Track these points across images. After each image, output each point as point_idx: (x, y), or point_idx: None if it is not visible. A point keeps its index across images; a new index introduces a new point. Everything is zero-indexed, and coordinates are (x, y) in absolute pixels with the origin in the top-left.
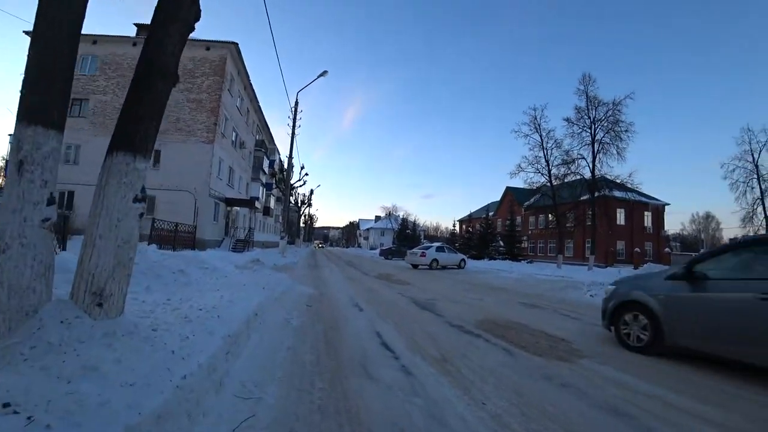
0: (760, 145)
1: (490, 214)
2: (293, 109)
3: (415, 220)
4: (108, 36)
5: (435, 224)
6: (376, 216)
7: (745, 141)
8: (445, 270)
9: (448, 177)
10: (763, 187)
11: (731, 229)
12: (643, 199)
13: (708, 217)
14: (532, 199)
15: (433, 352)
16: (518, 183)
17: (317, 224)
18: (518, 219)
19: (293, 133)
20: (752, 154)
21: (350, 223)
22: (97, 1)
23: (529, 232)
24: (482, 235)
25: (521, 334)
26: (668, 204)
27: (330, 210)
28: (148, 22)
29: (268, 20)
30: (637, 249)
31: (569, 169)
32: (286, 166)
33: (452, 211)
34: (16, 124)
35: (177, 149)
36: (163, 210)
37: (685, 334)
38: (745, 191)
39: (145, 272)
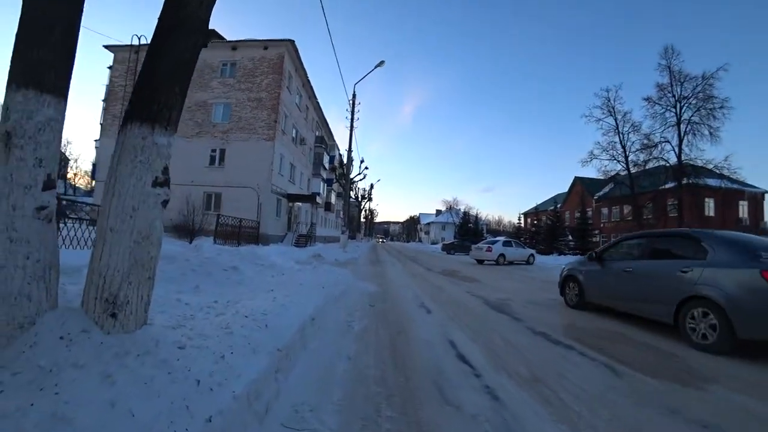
0: None
1: (558, 206)
2: (351, 102)
3: (476, 214)
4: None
5: (497, 218)
6: (436, 210)
7: None
8: (512, 266)
9: (508, 169)
10: None
11: None
12: (738, 186)
13: None
14: (604, 189)
15: (520, 368)
16: (589, 172)
17: (377, 219)
18: (588, 211)
19: (352, 126)
20: None
21: (410, 217)
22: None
23: (602, 224)
24: (550, 229)
25: (617, 344)
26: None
27: (390, 204)
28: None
29: (323, 13)
30: None
31: (650, 154)
32: (345, 160)
33: (514, 205)
34: (5, 90)
35: (240, 148)
36: (228, 207)
37: (594, 295)
38: None
39: (195, 269)
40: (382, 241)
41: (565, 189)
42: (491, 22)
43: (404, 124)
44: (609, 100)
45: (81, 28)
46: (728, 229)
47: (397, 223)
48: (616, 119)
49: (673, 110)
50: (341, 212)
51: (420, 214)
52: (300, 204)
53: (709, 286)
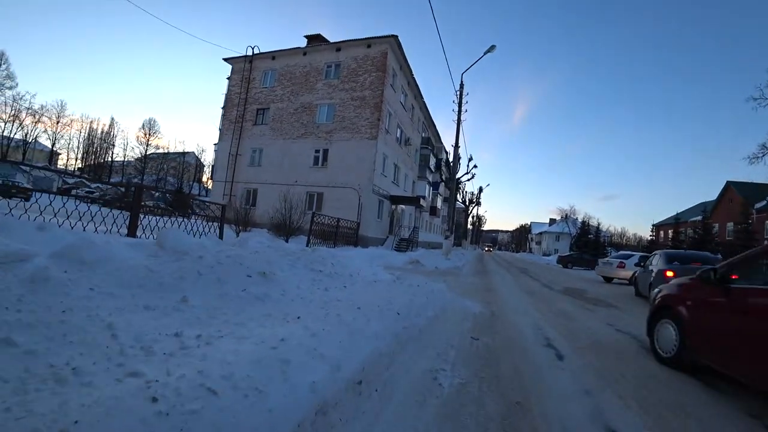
0: None
1: (706, 216)
2: (458, 93)
3: (597, 224)
4: (283, 50)
5: (619, 230)
6: (550, 219)
7: None
8: None
9: (633, 175)
10: None
11: None
12: None
13: None
14: None
15: None
16: (749, 175)
17: (485, 227)
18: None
19: (459, 119)
20: None
21: (521, 226)
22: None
23: (765, 240)
24: (697, 243)
25: None
26: None
27: (499, 212)
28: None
29: (431, 7)
30: None
31: None
32: (451, 156)
33: (640, 215)
34: None
35: (342, 147)
36: (329, 207)
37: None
38: None
39: (204, 272)
40: (490, 250)
41: (712, 197)
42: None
43: (514, 128)
44: None
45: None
46: None
47: (506, 231)
48: None
49: None
50: (446, 216)
51: (531, 222)
52: (403, 207)
53: None
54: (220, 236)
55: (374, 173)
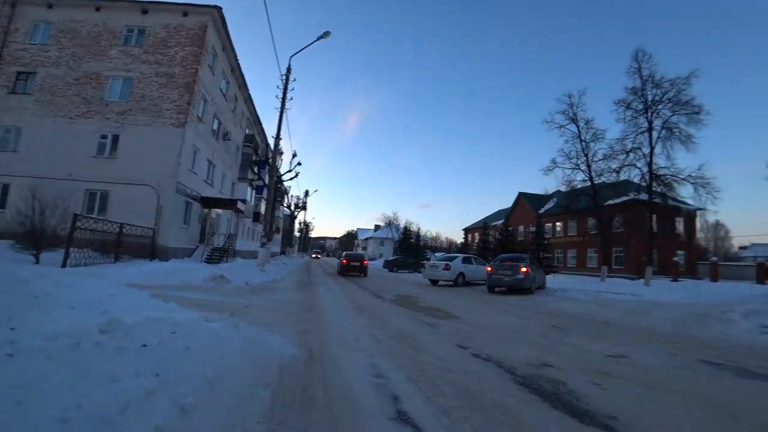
0: None
1: (500, 222)
2: (284, 77)
3: (418, 229)
4: None
5: (435, 233)
6: (375, 225)
7: None
8: (470, 287)
9: (444, 186)
10: None
11: (743, 237)
12: (676, 203)
13: (717, 226)
14: (547, 205)
15: None
16: (533, 188)
17: (313, 234)
18: (531, 228)
19: (283, 106)
20: None
21: (348, 232)
22: None
23: (545, 240)
24: (502, 244)
25: None
26: (702, 209)
27: (328, 219)
28: None
29: None
30: (675, 258)
31: (623, 161)
32: (272, 147)
33: (450, 221)
34: None
35: (139, 134)
36: (119, 209)
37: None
38: None
39: None
40: (318, 257)
41: (507, 205)
42: (439, 33)
43: (346, 137)
44: (572, 106)
45: None
46: (667, 243)
47: (334, 238)
48: (578, 126)
49: (644, 116)
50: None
51: (358, 229)
52: (220, 211)
53: None
54: None
55: (180, 168)
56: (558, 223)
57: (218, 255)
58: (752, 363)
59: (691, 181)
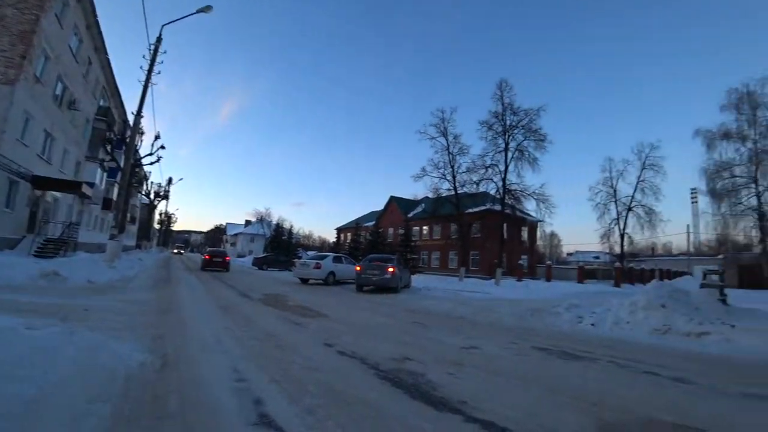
0: (618, 173)
1: (371, 223)
2: (152, 47)
3: (291, 227)
4: None
5: (308, 232)
6: (246, 221)
7: (607, 169)
8: (340, 286)
9: (319, 186)
10: (618, 209)
11: (570, 245)
12: (522, 214)
13: (552, 235)
14: (416, 210)
15: None
16: (403, 192)
17: (176, 227)
18: (400, 230)
19: (148, 79)
20: (611, 181)
21: (216, 227)
22: None
23: (413, 243)
24: (372, 245)
25: None
26: (541, 221)
27: (193, 212)
28: None
29: None
30: (520, 262)
31: (483, 175)
32: (132, 125)
33: (323, 221)
34: None
35: None
36: None
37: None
38: (604, 213)
39: None
40: (181, 253)
41: (379, 207)
42: (321, 35)
43: (219, 125)
44: (443, 121)
45: None
46: (514, 249)
47: (201, 232)
48: (447, 140)
49: (503, 138)
50: (117, 204)
51: (227, 223)
52: (58, 195)
53: None
54: None
55: (3, 137)
56: (425, 227)
57: (53, 247)
58: (571, 346)
59: (535, 197)
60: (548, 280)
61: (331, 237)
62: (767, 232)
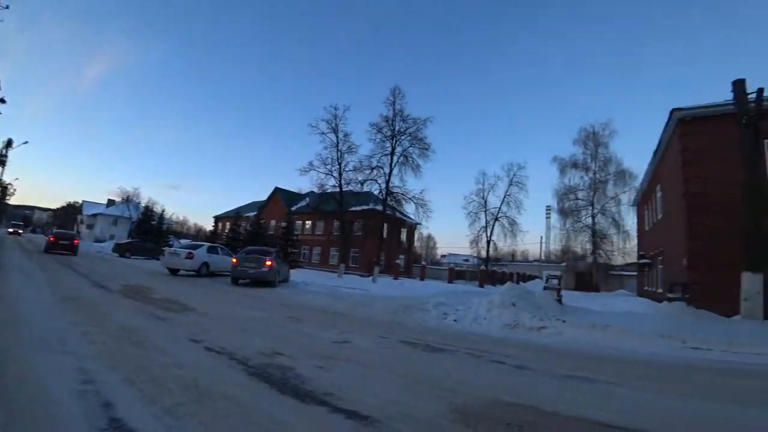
0: (489, 186)
1: (253, 214)
2: None
3: (162, 211)
4: None
5: (182, 218)
6: (108, 200)
7: (480, 182)
8: (214, 278)
9: (199, 169)
10: (487, 218)
11: (444, 248)
12: (402, 216)
13: (429, 237)
14: (300, 203)
15: None
16: (289, 184)
17: (15, 201)
18: (283, 223)
19: None
20: (483, 193)
21: (69, 204)
22: None
23: (295, 237)
24: (252, 236)
25: None
26: (419, 223)
27: (40, 184)
28: None
29: None
30: (397, 261)
31: (368, 176)
32: None
33: (201, 207)
34: None
35: None
36: None
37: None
38: (475, 220)
39: None
40: (19, 233)
41: (263, 198)
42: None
43: (87, 85)
44: (335, 117)
45: None
46: (392, 249)
47: (48, 209)
48: (337, 137)
49: (390, 142)
50: None
51: (84, 201)
52: None
53: None
54: None
55: None
56: (308, 222)
57: None
58: (435, 340)
59: (415, 200)
60: (422, 279)
61: (209, 225)
62: (598, 245)
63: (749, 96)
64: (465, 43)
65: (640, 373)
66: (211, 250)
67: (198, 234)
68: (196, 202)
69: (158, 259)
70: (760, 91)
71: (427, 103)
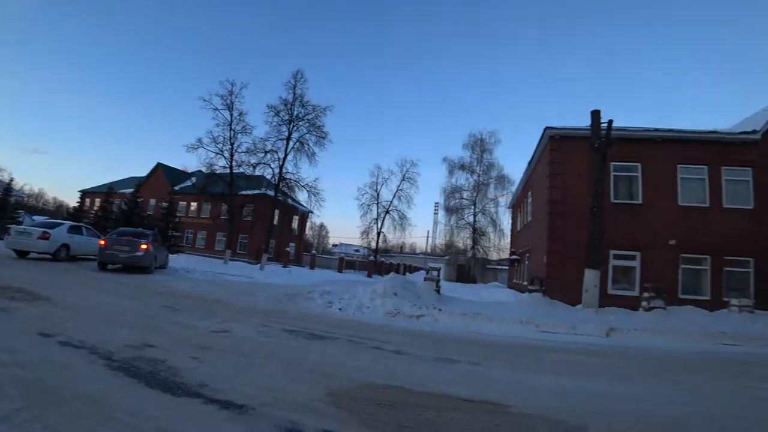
0: (383, 180)
1: (130, 191)
2: None
3: (11, 180)
4: None
5: (37, 190)
6: None
7: (374, 175)
8: (77, 263)
9: (65, 133)
10: (379, 211)
11: (336, 237)
12: (294, 203)
13: (321, 227)
14: (186, 183)
15: None
16: (174, 161)
17: None
18: (164, 203)
19: None
20: (377, 186)
21: None
22: None
23: (177, 219)
24: (127, 216)
25: None
26: (312, 212)
27: None
28: None
29: None
30: (287, 249)
31: (261, 159)
32: None
33: (65, 178)
34: None
35: None
36: None
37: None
38: (367, 212)
39: None
40: None
41: (142, 174)
42: None
43: None
44: (231, 94)
45: None
46: (284, 236)
47: None
48: (232, 115)
49: (287, 126)
50: None
51: None
52: None
53: None
54: None
55: None
56: (193, 203)
57: None
58: (318, 328)
59: (308, 188)
60: (312, 267)
61: (73, 201)
62: (477, 241)
63: (602, 125)
64: (370, 35)
65: (498, 353)
66: (74, 229)
67: (58, 210)
68: (60, 173)
69: (2, 239)
70: (610, 122)
71: (328, 92)
